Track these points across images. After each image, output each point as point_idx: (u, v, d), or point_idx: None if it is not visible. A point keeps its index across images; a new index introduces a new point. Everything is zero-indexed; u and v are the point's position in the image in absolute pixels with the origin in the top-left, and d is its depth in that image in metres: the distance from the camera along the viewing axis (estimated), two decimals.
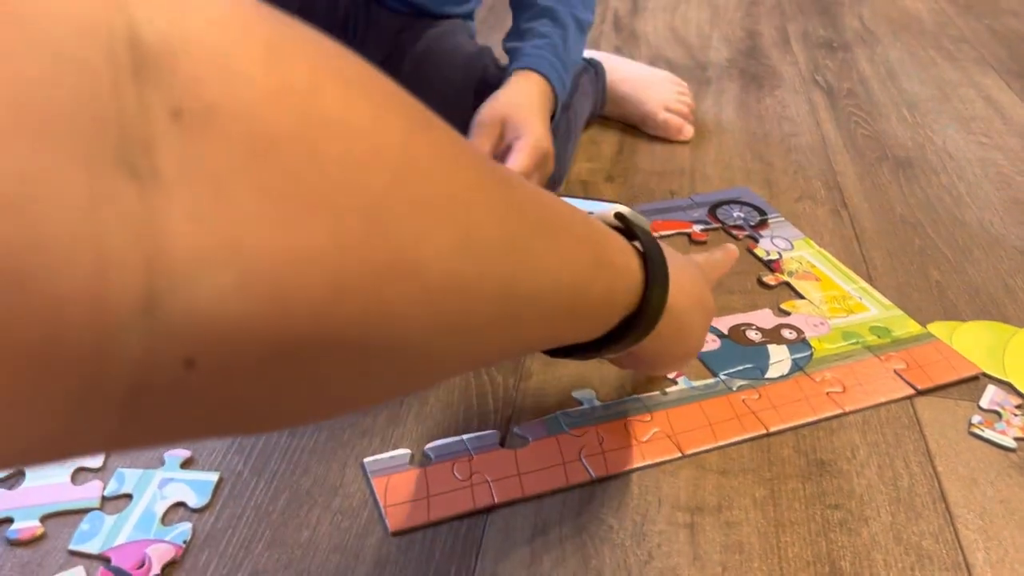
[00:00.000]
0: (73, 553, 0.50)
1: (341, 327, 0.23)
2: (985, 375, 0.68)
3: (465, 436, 0.60)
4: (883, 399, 0.65)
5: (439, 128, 0.27)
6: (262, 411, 0.24)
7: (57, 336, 0.17)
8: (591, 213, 0.44)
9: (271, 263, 0.20)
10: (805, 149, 1.06)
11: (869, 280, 0.79)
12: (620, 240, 0.43)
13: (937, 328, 0.73)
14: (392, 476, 0.56)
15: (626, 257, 0.42)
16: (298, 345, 0.22)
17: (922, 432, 0.63)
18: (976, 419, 0.64)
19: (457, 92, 0.88)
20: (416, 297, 0.25)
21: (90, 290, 0.17)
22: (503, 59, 0.89)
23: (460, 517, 0.54)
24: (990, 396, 0.66)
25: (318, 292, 0.22)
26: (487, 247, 0.28)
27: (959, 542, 0.55)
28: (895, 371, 0.68)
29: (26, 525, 0.51)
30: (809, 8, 1.59)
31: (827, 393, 0.65)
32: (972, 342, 0.71)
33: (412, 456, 0.58)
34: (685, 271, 0.49)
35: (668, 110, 1.05)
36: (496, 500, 0.55)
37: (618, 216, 0.48)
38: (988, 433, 0.62)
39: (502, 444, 0.60)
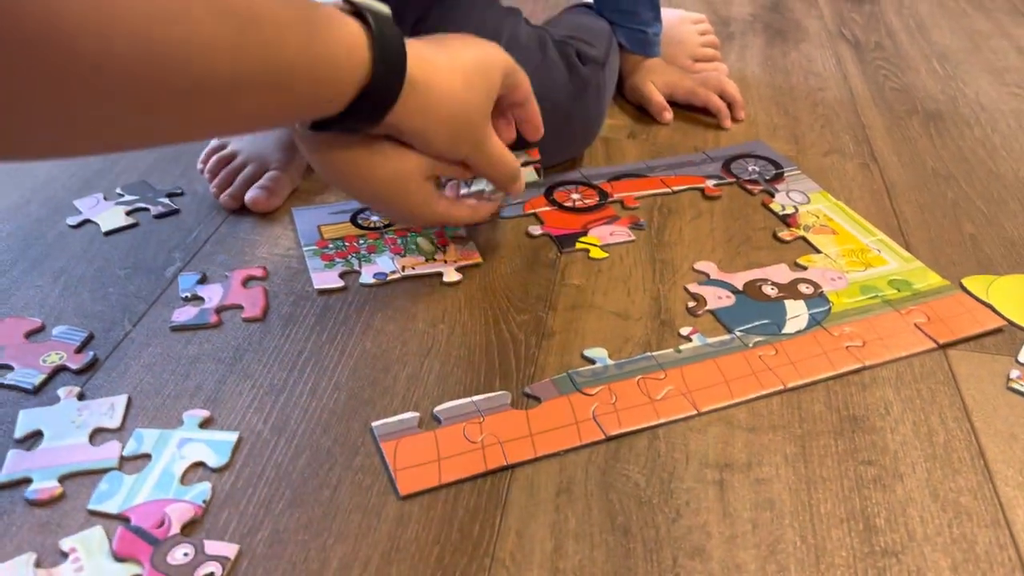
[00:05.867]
0: (92, 513, 0.50)
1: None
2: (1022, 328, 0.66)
3: (475, 397, 0.58)
4: (903, 353, 0.63)
5: None
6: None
7: None
8: None
9: None
10: (832, 103, 1.03)
11: (901, 234, 0.77)
12: (346, 26, 0.49)
13: (973, 282, 0.70)
14: (401, 439, 0.55)
15: (351, 38, 0.49)
16: None
17: (958, 388, 0.61)
18: (1014, 374, 0.62)
19: None
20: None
21: None
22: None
23: (474, 478, 0.53)
24: None
25: None
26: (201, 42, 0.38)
27: (998, 499, 0.53)
28: (916, 324, 0.66)
29: (45, 485, 0.51)
30: None
31: (846, 347, 0.63)
32: (1009, 295, 0.69)
33: (420, 419, 0.57)
34: (466, 63, 0.57)
35: (696, 60, 1.03)
36: (508, 461, 0.54)
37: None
38: None
39: (513, 404, 0.58)
